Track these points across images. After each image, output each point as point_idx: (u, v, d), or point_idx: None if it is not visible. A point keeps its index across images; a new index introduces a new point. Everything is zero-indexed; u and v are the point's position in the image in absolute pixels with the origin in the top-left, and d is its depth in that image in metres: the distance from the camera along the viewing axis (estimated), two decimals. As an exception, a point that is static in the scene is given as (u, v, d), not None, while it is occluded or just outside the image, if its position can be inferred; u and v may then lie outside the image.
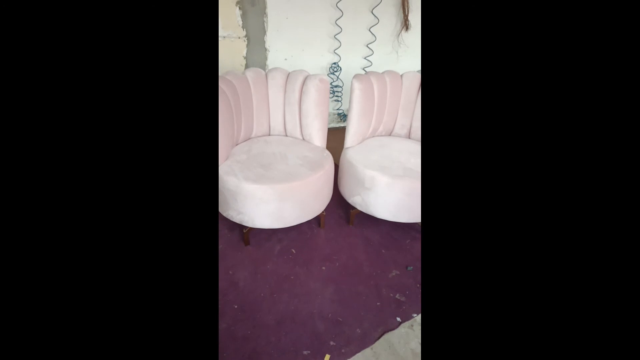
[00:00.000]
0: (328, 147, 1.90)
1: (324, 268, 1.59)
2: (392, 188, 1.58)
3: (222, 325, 1.30)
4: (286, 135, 1.93)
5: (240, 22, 2.35)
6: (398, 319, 1.38)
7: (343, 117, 3.10)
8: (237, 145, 1.78)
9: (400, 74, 1.98)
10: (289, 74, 1.83)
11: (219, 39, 2.33)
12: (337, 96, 2.94)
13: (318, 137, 1.83)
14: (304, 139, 1.89)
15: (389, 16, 2.79)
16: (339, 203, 2.01)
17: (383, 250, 1.72)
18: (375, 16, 2.70)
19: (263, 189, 1.48)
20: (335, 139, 2.40)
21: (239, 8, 2.30)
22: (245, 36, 2.41)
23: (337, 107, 3.03)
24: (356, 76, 1.73)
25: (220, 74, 1.69)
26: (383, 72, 1.92)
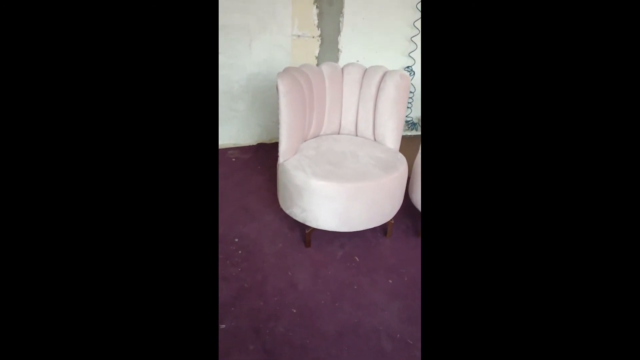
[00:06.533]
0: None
1: (390, 281, 1.43)
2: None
3: (280, 329, 1.20)
4: (356, 135, 1.83)
5: (316, 22, 2.33)
6: (479, 350, 1.17)
7: (412, 125, 2.92)
8: (305, 141, 1.70)
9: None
10: (366, 69, 1.72)
11: (294, 37, 2.32)
12: (408, 102, 2.78)
13: (391, 139, 1.70)
14: (375, 139, 1.76)
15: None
16: (407, 212, 1.84)
17: (459, 269, 1.51)
18: (456, 19, 2.53)
19: (332, 186, 1.38)
20: (403, 148, 2.24)
21: (316, 7, 2.27)
22: (320, 36, 2.38)
23: (407, 115, 2.87)
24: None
25: (296, 66, 1.64)
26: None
